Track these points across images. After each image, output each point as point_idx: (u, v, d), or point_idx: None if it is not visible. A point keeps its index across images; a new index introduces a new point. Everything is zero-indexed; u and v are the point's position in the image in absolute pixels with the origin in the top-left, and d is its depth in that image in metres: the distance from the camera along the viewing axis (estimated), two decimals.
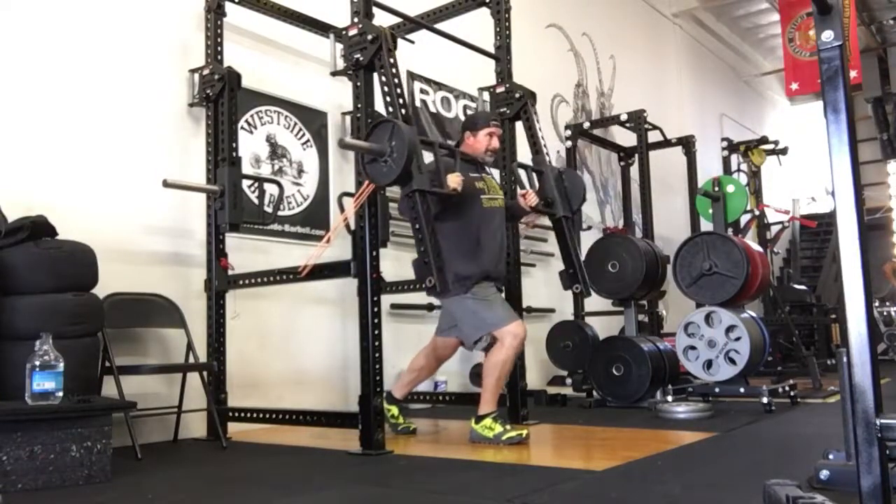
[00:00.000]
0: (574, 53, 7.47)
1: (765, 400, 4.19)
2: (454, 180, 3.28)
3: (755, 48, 11.98)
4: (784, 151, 7.96)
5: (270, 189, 4.23)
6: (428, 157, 3.29)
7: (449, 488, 2.47)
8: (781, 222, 8.87)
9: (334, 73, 3.99)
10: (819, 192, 12.65)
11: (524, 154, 4.06)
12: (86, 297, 3.07)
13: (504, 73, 4.18)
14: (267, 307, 4.25)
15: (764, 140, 8.01)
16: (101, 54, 3.69)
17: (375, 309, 3.17)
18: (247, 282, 3.79)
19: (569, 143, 6.57)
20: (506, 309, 3.46)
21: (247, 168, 4.08)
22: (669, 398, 4.36)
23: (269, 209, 4.10)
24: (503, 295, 3.93)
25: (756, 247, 5.05)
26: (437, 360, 3.76)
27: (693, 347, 4.52)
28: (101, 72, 3.68)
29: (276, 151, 4.52)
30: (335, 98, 4.82)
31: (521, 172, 3.84)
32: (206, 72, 3.90)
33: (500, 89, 4.13)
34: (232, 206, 3.65)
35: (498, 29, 4.17)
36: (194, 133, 4.03)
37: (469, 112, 5.83)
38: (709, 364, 4.45)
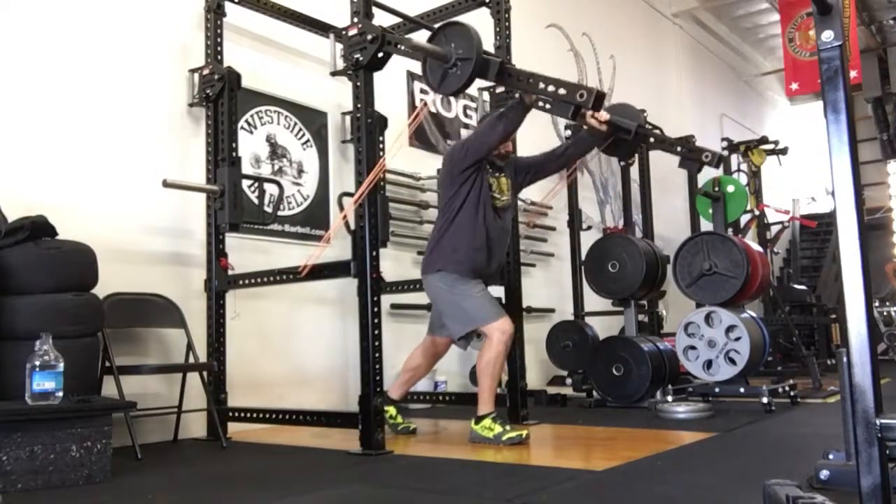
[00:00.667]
0: (574, 53, 7.47)
1: (765, 400, 4.19)
2: (530, 96, 3.20)
3: (755, 48, 11.98)
4: (784, 151, 7.96)
5: (270, 189, 4.23)
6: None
7: (449, 488, 2.47)
8: (781, 222, 8.87)
9: (334, 73, 3.99)
10: (819, 192, 12.65)
11: (525, 152, 4.06)
12: (86, 297, 3.07)
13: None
14: (267, 307, 4.25)
15: (764, 140, 8.00)
16: (101, 54, 3.69)
17: (375, 309, 3.17)
18: (247, 282, 3.79)
19: None
20: (492, 305, 3.43)
21: (247, 168, 4.08)
22: (669, 398, 4.35)
23: (269, 209, 4.10)
24: (502, 295, 3.94)
25: (756, 247, 5.04)
26: (432, 357, 3.78)
27: (693, 347, 4.51)
28: (101, 72, 3.68)
29: (276, 151, 4.52)
30: (335, 98, 4.82)
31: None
32: (206, 72, 3.90)
33: (501, 89, 4.13)
34: (232, 206, 3.65)
35: (498, 29, 4.16)
36: (194, 133, 4.03)
37: (470, 112, 5.84)
38: (709, 364, 4.45)
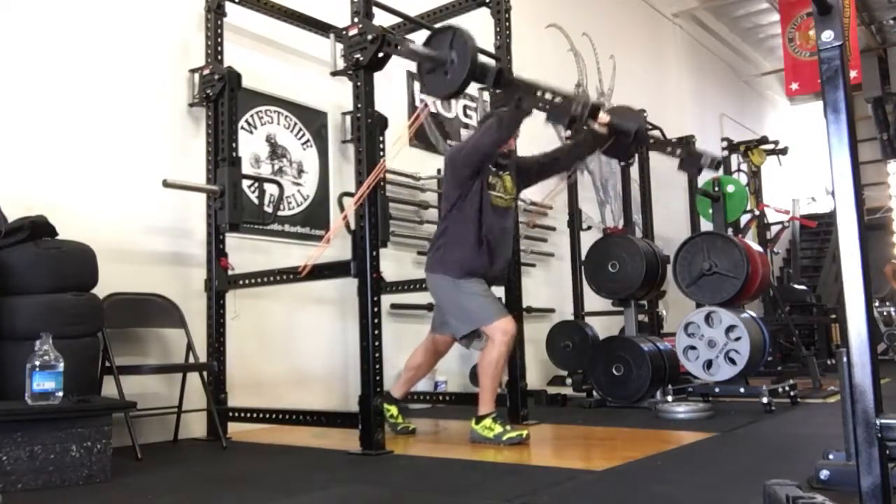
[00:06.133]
0: (574, 53, 7.46)
1: (765, 400, 4.19)
2: (529, 101, 3.16)
3: (755, 48, 11.98)
4: (784, 151, 7.96)
5: (270, 189, 4.23)
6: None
7: (449, 488, 2.47)
8: (781, 222, 8.87)
9: (334, 73, 3.98)
10: (819, 192, 12.65)
11: (526, 150, 4.05)
12: (86, 297, 3.07)
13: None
14: (267, 307, 4.25)
15: (764, 140, 8.01)
16: (101, 54, 3.69)
17: (375, 309, 3.17)
18: (247, 282, 3.79)
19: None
20: (494, 305, 3.43)
21: (247, 168, 4.08)
22: (669, 398, 4.36)
23: (269, 209, 4.10)
24: (502, 295, 3.93)
25: (756, 247, 5.04)
26: (434, 356, 3.78)
27: (693, 347, 4.51)
28: (102, 72, 3.68)
29: (276, 151, 4.52)
30: (335, 98, 4.82)
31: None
32: (206, 72, 3.90)
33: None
34: (232, 206, 3.65)
35: (498, 29, 4.16)
36: (194, 133, 4.03)
37: (470, 112, 5.84)
38: (709, 364, 4.45)
